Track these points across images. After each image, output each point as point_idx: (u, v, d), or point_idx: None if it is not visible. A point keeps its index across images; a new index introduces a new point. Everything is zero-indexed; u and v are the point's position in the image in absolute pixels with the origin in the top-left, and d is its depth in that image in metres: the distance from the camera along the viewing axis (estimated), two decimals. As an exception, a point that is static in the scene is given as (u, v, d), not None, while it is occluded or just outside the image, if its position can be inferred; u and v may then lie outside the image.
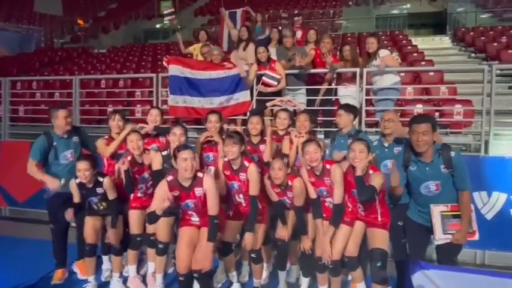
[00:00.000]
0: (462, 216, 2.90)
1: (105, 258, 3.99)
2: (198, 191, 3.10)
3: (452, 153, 2.89)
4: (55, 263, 3.99)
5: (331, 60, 4.88)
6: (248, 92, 5.07)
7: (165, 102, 5.71)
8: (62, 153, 3.84)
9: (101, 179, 3.60)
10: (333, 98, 5.10)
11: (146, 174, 3.70)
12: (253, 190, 3.29)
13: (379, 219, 3.11)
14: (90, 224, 3.71)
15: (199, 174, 3.10)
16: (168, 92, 5.20)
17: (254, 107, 5.08)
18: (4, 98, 6.31)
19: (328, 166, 3.18)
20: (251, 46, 5.52)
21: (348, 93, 4.85)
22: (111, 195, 3.63)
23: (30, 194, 5.65)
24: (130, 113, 6.45)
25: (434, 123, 2.96)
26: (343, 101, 4.81)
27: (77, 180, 3.57)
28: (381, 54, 4.74)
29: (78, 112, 5.92)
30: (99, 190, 3.62)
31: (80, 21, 20.88)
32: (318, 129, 4.89)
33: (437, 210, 2.92)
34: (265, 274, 3.76)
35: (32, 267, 4.22)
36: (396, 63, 5.08)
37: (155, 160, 3.56)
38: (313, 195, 3.27)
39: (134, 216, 3.74)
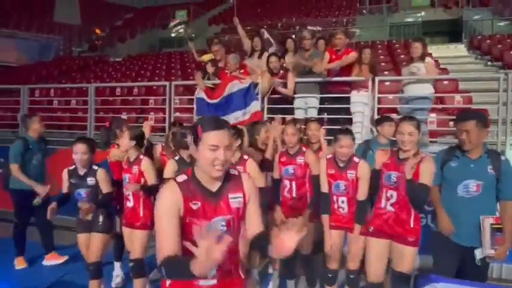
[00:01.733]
0: (505, 229, 2.60)
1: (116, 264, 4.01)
2: None
3: (503, 158, 2.66)
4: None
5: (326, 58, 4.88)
6: (258, 102, 5.10)
7: (177, 109, 5.79)
8: (35, 155, 4.38)
9: (95, 167, 3.35)
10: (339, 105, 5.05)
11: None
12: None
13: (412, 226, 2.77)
14: (82, 241, 3.40)
15: None
16: (194, 113, 5.34)
17: (265, 114, 5.11)
18: (22, 105, 6.49)
19: (356, 159, 3.03)
20: (265, 55, 5.56)
21: (359, 100, 4.80)
22: (106, 188, 3.35)
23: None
24: (143, 121, 6.55)
25: (482, 119, 2.68)
26: (354, 107, 4.78)
27: (71, 167, 3.38)
28: (427, 60, 4.72)
29: (93, 119, 6.04)
30: (90, 181, 3.33)
31: (98, 30, 21.41)
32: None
33: (487, 222, 2.60)
34: (271, 285, 3.72)
35: (46, 271, 4.28)
36: (435, 74, 5.01)
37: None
38: (324, 188, 3.11)
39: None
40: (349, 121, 5.03)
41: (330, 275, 3.17)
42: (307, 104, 5.10)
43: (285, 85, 5.08)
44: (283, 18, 18.15)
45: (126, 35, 20.36)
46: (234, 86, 5.18)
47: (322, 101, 5.15)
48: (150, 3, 25.81)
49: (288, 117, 5.11)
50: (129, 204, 3.36)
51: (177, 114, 5.81)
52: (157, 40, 20.65)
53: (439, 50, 10.77)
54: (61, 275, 4.08)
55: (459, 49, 11.20)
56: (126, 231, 3.45)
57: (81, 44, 19.92)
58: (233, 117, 5.08)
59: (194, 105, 5.39)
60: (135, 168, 3.31)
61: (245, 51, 5.90)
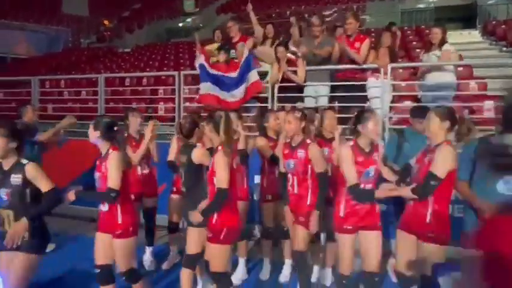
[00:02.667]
0: None
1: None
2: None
3: None
4: None
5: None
6: (255, 71, 5.11)
7: (187, 99, 5.77)
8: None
9: (24, 161, 2.57)
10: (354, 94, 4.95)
11: None
12: (318, 167, 3.13)
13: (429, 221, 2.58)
14: (2, 262, 2.60)
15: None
16: (200, 81, 5.29)
17: (275, 104, 5.05)
18: (34, 96, 6.54)
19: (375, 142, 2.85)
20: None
21: (377, 84, 4.69)
22: (44, 186, 2.56)
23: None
24: (153, 111, 6.56)
25: None
26: (371, 93, 4.70)
27: None
28: (444, 47, 4.64)
29: (103, 109, 6.05)
30: (14, 179, 2.52)
31: (106, 22, 21.41)
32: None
33: None
34: (287, 271, 3.73)
35: (72, 262, 4.20)
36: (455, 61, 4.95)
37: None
38: (354, 179, 2.74)
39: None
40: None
41: (344, 282, 2.89)
42: (317, 93, 5.03)
43: (295, 73, 5.02)
44: (292, 6, 17.90)
45: (133, 25, 20.33)
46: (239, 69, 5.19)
47: (332, 88, 5.07)
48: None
49: (298, 105, 5.11)
50: (103, 208, 2.77)
51: (187, 104, 5.78)
52: (165, 30, 20.57)
53: (453, 37, 10.41)
54: None
55: (473, 35, 10.91)
56: (100, 237, 2.83)
57: (90, 36, 19.95)
58: (238, 94, 5.11)
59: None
60: (103, 166, 2.69)
61: (256, 38, 5.82)
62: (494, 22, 10.73)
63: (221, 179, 2.66)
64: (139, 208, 3.97)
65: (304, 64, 4.96)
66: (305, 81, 5.03)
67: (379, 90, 4.69)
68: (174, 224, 4.01)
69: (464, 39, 10.34)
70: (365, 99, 4.95)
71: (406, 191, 2.62)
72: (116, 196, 2.63)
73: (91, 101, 6.91)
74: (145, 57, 12.02)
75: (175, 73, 5.79)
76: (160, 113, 6.31)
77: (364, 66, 4.78)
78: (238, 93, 5.12)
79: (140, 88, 7.55)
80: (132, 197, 3.80)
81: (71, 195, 2.67)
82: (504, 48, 8.95)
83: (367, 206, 2.80)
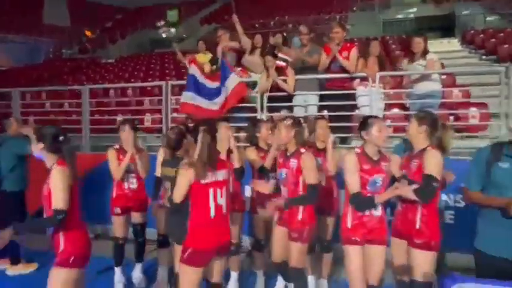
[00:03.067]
0: None
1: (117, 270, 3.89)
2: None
3: None
4: None
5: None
6: (235, 75, 5.11)
7: (175, 110, 5.69)
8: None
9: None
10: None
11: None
12: (309, 178, 2.99)
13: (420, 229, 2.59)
14: None
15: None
16: (185, 90, 5.28)
17: (265, 114, 5.03)
18: (15, 109, 6.33)
19: (383, 151, 2.76)
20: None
21: (366, 93, 4.73)
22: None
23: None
24: (139, 122, 6.43)
25: None
26: (360, 102, 4.72)
27: None
28: (428, 57, 4.70)
29: (87, 122, 5.90)
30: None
31: (88, 33, 21.17)
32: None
33: None
34: (281, 283, 3.65)
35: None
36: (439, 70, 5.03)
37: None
38: (355, 187, 2.60)
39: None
40: (350, 119, 4.99)
41: None
42: (306, 102, 5.04)
43: (285, 81, 5.03)
44: (275, 17, 18.11)
45: (116, 36, 20.15)
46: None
47: (321, 98, 5.09)
48: (140, 4, 25.56)
49: (288, 115, 5.10)
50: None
51: (174, 114, 5.70)
52: (149, 40, 20.46)
53: (433, 45, 10.74)
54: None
55: (452, 43, 11.26)
56: None
57: (72, 46, 19.66)
58: (219, 101, 5.09)
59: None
60: (46, 186, 2.36)
61: (242, 48, 5.81)
62: (472, 31, 11.09)
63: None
64: (128, 223, 3.85)
65: (293, 73, 4.97)
66: (294, 91, 5.03)
67: (368, 99, 4.73)
68: (163, 237, 3.87)
69: (444, 48, 10.63)
70: (354, 107, 4.99)
71: (407, 190, 2.53)
72: (63, 218, 2.26)
73: (74, 113, 6.74)
74: (130, 67, 11.90)
75: (163, 83, 5.71)
76: (147, 124, 6.19)
77: (353, 75, 4.81)
78: (220, 100, 5.12)
79: (126, 99, 7.42)
80: (119, 211, 3.77)
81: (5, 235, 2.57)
82: (484, 57, 9.24)
83: (375, 218, 2.65)
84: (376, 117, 2.79)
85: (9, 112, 6.50)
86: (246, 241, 4.48)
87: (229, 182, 2.76)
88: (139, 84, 8.29)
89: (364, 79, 4.81)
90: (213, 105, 5.14)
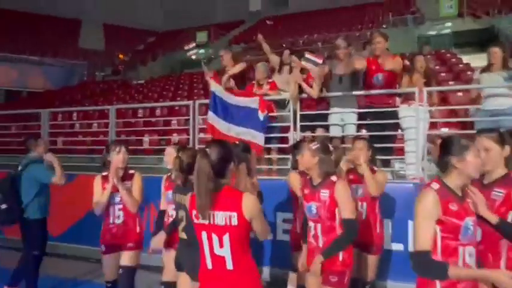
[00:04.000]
0: None
1: None
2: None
3: None
4: None
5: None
6: (263, 136, 4.72)
7: (202, 130, 5.43)
8: None
9: None
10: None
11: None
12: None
13: None
14: None
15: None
16: (209, 109, 4.98)
17: (298, 133, 4.64)
18: (43, 129, 6.30)
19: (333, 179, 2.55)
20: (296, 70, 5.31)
21: (410, 113, 4.22)
22: None
23: (66, 228, 5.45)
24: (166, 143, 6.23)
25: None
26: (405, 123, 4.24)
27: None
28: None
29: (114, 142, 5.74)
30: None
31: (121, 55, 21.82)
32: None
33: None
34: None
35: None
36: None
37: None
38: (348, 213, 2.47)
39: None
40: (392, 139, 4.51)
41: None
42: (343, 120, 4.61)
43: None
44: (304, 35, 17.92)
45: (147, 58, 20.63)
46: (247, 101, 4.85)
47: (360, 116, 4.65)
48: (171, 27, 26.28)
49: (321, 135, 4.69)
50: None
51: (201, 135, 5.43)
52: (179, 62, 20.79)
53: (474, 60, 10.12)
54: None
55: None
56: None
57: (105, 69, 20.27)
58: (234, 131, 4.76)
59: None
60: None
61: (272, 67, 5.55)
62: (517, 45, 10.33)
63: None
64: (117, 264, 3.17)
65: (320, 77, 4.51)
66: (329, 107, 4.63)
67: (412, 119, 4.23)
68: (169, 285, 3.07)
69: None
70: (397, 126, 4.52)
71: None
72: None
73: (102, 133, 6.64)
74: (159, 88, 11.94)
75: (190, 102, 5.48)
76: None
77: (398, 91, 4.35)
78: (235, 131, 4.74)
79: (153, 119, 7.28)
80: (103, 248, 3.16)
81: None
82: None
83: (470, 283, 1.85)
84: (466, 137, 2.06)
85: (38, 133, 6.49)
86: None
87: (242, 230, 1.88)
88: (166, 103, 8.18)
89: (408, 97, 4.34)
90: (226, 129, 4.77)
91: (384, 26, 16.94)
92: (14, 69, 16.30)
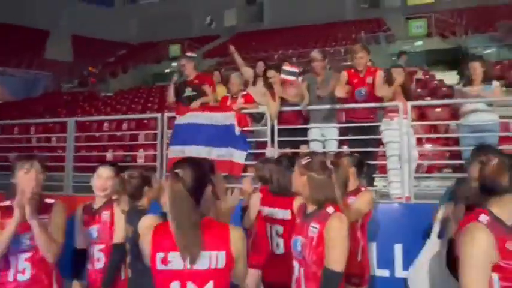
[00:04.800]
0: None
1: None
2: None
3: None
4: None
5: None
6: (245, 154, 4.36)
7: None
8: None
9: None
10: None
11: None
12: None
13: None
14: None
15: None
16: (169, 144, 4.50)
17: (276, 150, 4.29)
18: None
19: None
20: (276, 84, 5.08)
21: (393, 127, 3.99)
22: None
23: None
24: (131, 159, 5.73)
25: None
26: (386, 138, 3.99)
27: None
28: (495, 83, 4.14)
29: (71, 158, 5.16)
30: None
31: (91, 68, 20.96)
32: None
33: None
34: None
35: None
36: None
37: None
38: (332, 260, 1.80)
39: None
40: (374, 156, 4.26)
41: None
42: (324, 136, 4.31)
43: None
44: (279, 50, 17.87)
45: (118, 70, 19.93)
46: (224, 117, 4.43)
47: (341, 131, 4.38)
48: (143, 39, 25.71)
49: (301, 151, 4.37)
50: None
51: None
52: (151, 75, 20.21)
53: (448, 77, 10.26)
54: None
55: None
56: None
57: (72, 80, 19.36)
58: (216, 153, 4.29)
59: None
60: None
61: (246, 80, 5.24)
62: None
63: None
64: None
65: (305, 84, 4.26)
66: (308, 122, 4.33)
67: (396, 133, 3.99)
68: None
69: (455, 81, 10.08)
70: (379, 143, 4.28)
71: None
72: None
73: (60, 148, 6.03)
74: (128, 100, 11.38)
75: (158, 115, 5.02)
76: (140, 161, 5.47)
77: (380, 105, 4.10)
78: (216, 154, 4.29)
79: (119, 133, 6.74)
80: None
81: None
82: (504, 88, 8.64)
83: None
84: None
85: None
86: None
87: (227, 274, 1.48)
88: (132, 115, 7.65)
89: (390, 111, 4.10)
90: (206, 154, 4.24)
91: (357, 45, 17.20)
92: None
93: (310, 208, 1.96)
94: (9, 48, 18.90)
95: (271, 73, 4.40)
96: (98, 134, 6.79)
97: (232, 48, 5.36)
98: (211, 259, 1.41)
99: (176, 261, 1.40)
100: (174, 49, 21.30)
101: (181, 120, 4.52)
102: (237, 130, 4.35)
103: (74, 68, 20.62)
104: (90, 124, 7.72)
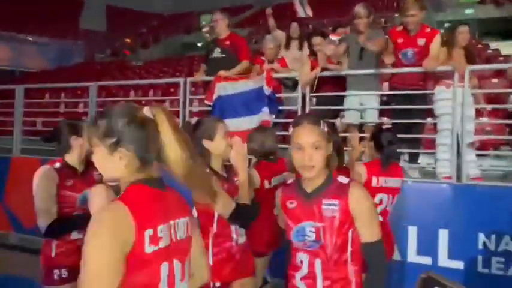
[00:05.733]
0: None
1: None
2: None
3: None
4: None
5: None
6: (267, 109, 3.94)
7: (194, 113, 4.65)
8: None
9: None
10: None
11: None
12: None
13: None
14: None
15: None
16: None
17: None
18: (17, 108, 5.55)
19: None
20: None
21: (447, 96, 3.40)
22: None
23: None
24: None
25: None
26: (439, 109, 3.44)
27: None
28: None
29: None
30: None
31: (128, 40, 20.95)
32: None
33: None
34: None
35: None
36: None
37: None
38: (370, 234, 1.52)
39: None
40: (421, 129, 3.73)
41: None
42: (362, 105, 3.81)
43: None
44: (314, 20, 16.97)
45: (150, 41, 19.85)
46: (254, 83, 4.04)
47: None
48: (175, 11, 25.36)
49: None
50: None
51: (195, 119, 4.64)
52: (181, 45, 20.01)
53: (503, 48, 9.21)
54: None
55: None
56: None
57: (104, 50, 19.49)
58: (244, 125, 3.90)
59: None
60: None
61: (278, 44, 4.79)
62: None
63: None
64: None
65: (343, 47, 3.75)
66: (346, 89, 3.84)
67: (449, 105, 3.41)
68: None
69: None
70: (426, 114, 3.74)
71: None
72: None
73: (83, 114, 5.89)
74: (157, 70, 11.19)
75: (181, 79, 4.66)
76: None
77: (433, 69, 3.51)
78: (245, 125, 3.93)
79: (143, 100, 6.51)
80: None
81: None
82: None
83: None
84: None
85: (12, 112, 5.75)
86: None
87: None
88: (152, 80, 7.36)
89: (445, 76, 3.50)
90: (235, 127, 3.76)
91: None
92: (8, 47, 15.57)
93: (311, 184, 1.55)
94: (44, 18, 19.17)
95: (317, 40, 3.94)
96: (122, 100, 6.59)
97: (269, 10, 5.00)
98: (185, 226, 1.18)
99: (166, 235, 1.09)
100: (205, 19, 20.87)
101: (219, 91, 4.11)
102: (266, 89, 3.93)
103: (107, 38, 20.72)
104: (117, 91, 7.58)
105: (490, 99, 4.82)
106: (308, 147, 1.47)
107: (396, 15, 15.91)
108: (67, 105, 7.11)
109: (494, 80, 5.31)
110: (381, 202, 2.50)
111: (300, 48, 4.71)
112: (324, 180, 1.54)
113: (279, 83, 4.14)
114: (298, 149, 1.50)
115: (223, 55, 4.27)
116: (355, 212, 1.48)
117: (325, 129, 1.53)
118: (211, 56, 4.34)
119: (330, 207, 1.50)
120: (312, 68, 3.85)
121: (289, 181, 1.69)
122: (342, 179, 1.55)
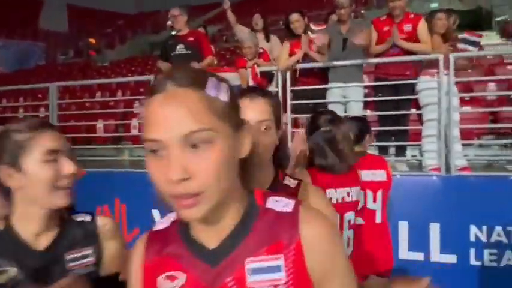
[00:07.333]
0: None
1: None
2: None
3: None
4: None
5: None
6: None
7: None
8: None
9: None
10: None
11: None
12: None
13: None
14: None
15: None
16: None
17: (288, 116, 3.65)
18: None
19: None
20: (274, 37, 4.53)
21: (432, 85, 3.31)
22: None
23: None
24: (124, 130, 5.15)
25: None
26: (424, 99, 3.34)
27: None
28: None
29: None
30: None
31: (92, 40, 20.04)
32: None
33: None
34: None
35: None
36: None
37: None
38: None
39: None
40: (407, 121, 3.62)
41: None
42: (346, 97, 3.65)
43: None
44: (283, 16, 16.89)
45: (115, 41, 19.09)
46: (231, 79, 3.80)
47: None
48: (141, 9, 24.60)
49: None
50: None
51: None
52: (149, 45, 19.35)
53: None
54: None
55: (490, 37, 9.91)
56: None
57: (67, 51, 18.56)
58: None
59: None
60: None
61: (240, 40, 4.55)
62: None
63: None
64: None
65: (325, 38, 3.53)
66: (329, 81, 3.66)
67: (435, 93, 3.31)
68: None
69: (485, 42, 9.27)
70: (410, 105, 3.63)
71: None
72: None
73: (45, 118, 5.43)
74: (125, 70, 10.69)
75: (151, 77, 4.36)
76: (134, 132, 4.86)
77: (410, 58, 3.41)
78: None
79: (111, 102, 6.11)
80: None
81: None
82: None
83: None
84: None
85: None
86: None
87: None
88: (119, 79, 6.95)
89: (431, 66, 3.40)
90: None
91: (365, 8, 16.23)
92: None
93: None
94: (1, 19, 18.05)
95: (294, 16, 3.68)
96: (86, 101, 6.16)
97: (227, 3, 4.64)
98: None
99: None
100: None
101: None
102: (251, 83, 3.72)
103: (69, 39, 19.76)
104: (81, 94, 7.10)
105: (468, 88, 4.82)
106: None
107: (362, 11, 16.14)
108: (26, 110, 6.57)
109: (469, 70, 5.33)
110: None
111: (267, 39, 4.47)
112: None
113: (263, 78, 3.92)
114: None
115: (189, 51, 4.02)
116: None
117: None
118: (174, 53, 4.05)
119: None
120: (292, 53, 3.65)
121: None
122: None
